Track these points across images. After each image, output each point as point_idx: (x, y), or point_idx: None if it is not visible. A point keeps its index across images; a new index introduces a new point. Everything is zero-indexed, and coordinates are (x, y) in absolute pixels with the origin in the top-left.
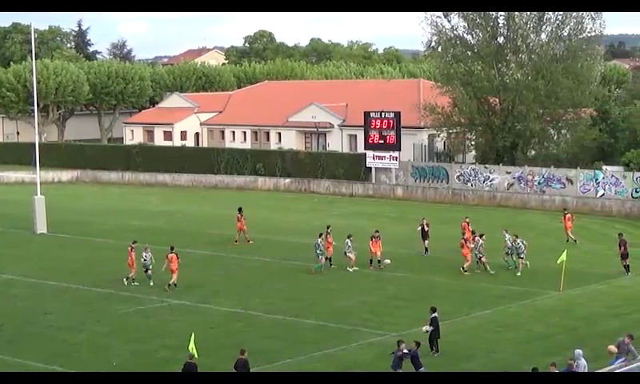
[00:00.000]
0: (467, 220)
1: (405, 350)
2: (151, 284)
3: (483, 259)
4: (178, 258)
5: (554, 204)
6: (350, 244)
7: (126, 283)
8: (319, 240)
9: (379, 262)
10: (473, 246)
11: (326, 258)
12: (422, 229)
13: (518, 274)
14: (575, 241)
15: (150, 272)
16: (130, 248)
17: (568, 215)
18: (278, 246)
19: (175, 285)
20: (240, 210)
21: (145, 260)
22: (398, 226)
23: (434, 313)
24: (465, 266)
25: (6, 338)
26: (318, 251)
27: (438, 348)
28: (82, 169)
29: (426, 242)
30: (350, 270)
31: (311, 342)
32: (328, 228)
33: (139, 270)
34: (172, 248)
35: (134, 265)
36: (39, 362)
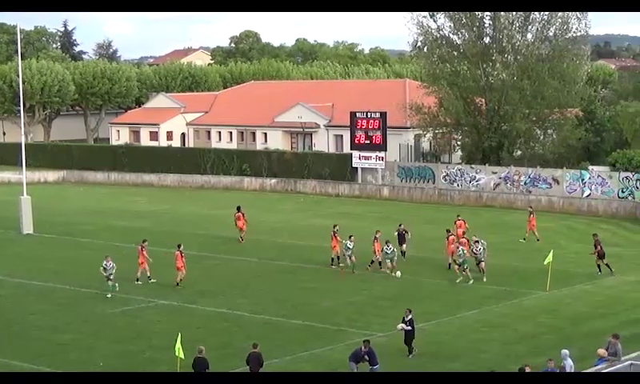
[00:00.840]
0: (461, 218)
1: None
2: (117, 287)
3: (482, 265)
4: (182, 256)
5: (540, 204)
6: (349, 245)
7: (139, 283)
8: (349, 243)
9: (380, 263)
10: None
11: (332, 258)
12: (399, 234)
13: (484, 279)
14: (538, 239)
15: (111, 279)
16: (140, 247)
17: (533, 214)
18: (264, 246)
19: (177, 283)
20: (239, 208)
21: (105, 268)
22: (384, 226)
23: (410, 314)
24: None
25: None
26: (348, 253)
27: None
28: (69, 169)
29: (403, 246)
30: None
31: (298, 343)
32: (335, 227)
33: (149, 269)
34: (179, 246)
35: (145, 264)
36: (25, 362)
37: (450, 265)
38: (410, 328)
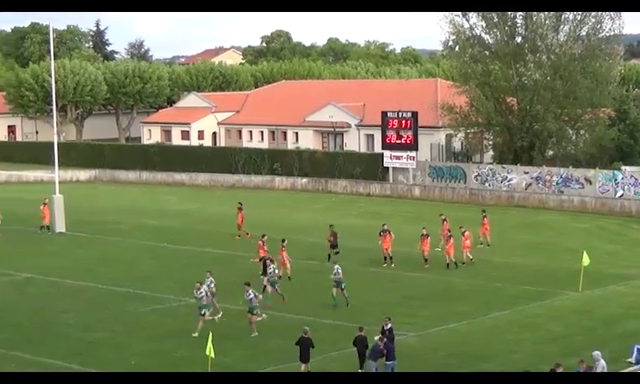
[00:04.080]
0: (443, 217)
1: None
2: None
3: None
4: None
5: (573, 204)
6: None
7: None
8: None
9: (391, 258)
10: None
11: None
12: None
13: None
14: (488, 244)
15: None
16: (261, 242)
17: (486, 218)
18: (295, 245)
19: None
20: (240, 204)
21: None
22: (414, 225)
23: (390, 322)
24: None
25: (26, 337)
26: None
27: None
28: (100, 168)
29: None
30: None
31: (329, 342)
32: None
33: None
34: (283, 240)
35: (287, 263)
36: (58, 360)
37: (458, 263)
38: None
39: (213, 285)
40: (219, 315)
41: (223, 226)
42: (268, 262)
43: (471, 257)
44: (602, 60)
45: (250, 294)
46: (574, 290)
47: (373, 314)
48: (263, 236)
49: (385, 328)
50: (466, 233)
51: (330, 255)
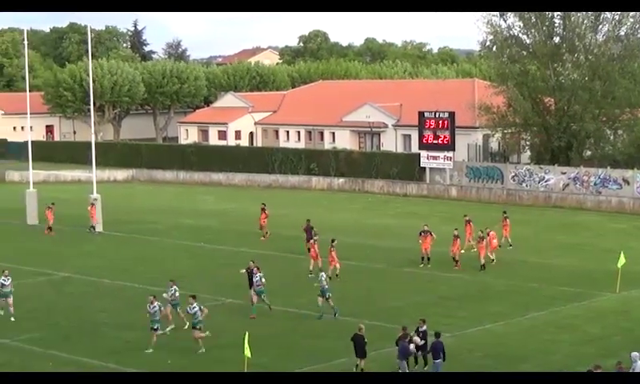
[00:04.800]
0: (467, 218)
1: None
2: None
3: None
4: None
5: (611, 205)
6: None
7: (313, 276)
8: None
9: (428, 259)
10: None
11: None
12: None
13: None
14: (510, 245)
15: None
16: (312, 241)
17: (507, 219)
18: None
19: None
20: (264, 205)
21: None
22: (451, 226)
23: (424, 325)
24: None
25: (63, 335)
26: None
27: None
28: (138, 168)
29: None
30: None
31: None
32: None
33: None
34: (332, 240)
35: (318, 257)
36: (95, 359)
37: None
38: (423, 342)
39: (177, 294)
40: (170, 327)
41: (246, 223)
42: (255, 270)
43: (493, 257)
44: None
45: (194, 308)
46: (612, 290)
47: (409, 315)
48: (315, 235)
49: (420, 330)
50: (492, 233)
51: (309, 249)
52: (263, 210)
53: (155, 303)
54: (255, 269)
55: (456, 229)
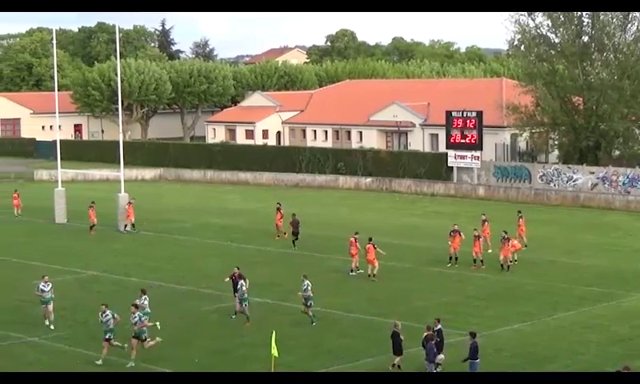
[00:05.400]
0: (484, 217)
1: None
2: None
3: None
4: (375, 248)
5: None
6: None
7: (355, 274)
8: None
9: (456, 258)
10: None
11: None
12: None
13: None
14: (526, 245)
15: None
16: (353, 239)
17: (522, 219)
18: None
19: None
20: (279, 204)
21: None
22: (478, 225)
23: (439, 324)
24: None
25: (90, 334)
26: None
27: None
28: (165, 167)
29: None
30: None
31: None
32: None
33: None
34: (370, 239)
35: (357, 254)
36: (123, 358)
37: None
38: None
39: (146, 302)
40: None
41: (287, 225)
42: (238, 278)
43: (515, 258)
44: None
45: (135, 317)
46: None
47: (436, 314)
48: (356, 233)
49: (435, 329)
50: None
51: (294, 242)
52: (278, 209)
53: (107, 311)
54: (238, 276)
55: (475, 229)
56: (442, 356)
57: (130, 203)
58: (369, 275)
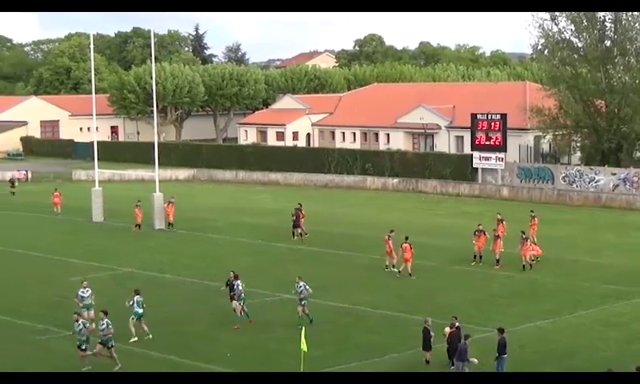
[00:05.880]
0: (500, 217)
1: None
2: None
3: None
4: (411, 248)
5: None
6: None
7: (390, 270)
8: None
9: (481, 257)
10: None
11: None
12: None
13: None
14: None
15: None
16: (387, 237)
17: (535, 218)
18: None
19: (399, 271)
20: (300, 205)
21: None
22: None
23: (457, 321)
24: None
25: (124, 329)
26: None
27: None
28: (198, 167)
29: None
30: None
31: (418, 337)
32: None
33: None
34: (406, 238)
35: (392, 253)
36: (156, 352)
37: (524, 266)
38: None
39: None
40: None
41: (316, 224)
42: (233, 279)
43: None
44: None
45: (103, 324)
46: None
47: (462, 311)
48: (391, 231)
49: (456, 326)
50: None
51: (293, 233)
52: (299, 209)
53: (80, 320)
54: (234, 277)
55: (494, 229)
56: (475, 360)
57: (170, 202)
58: (398, 271)
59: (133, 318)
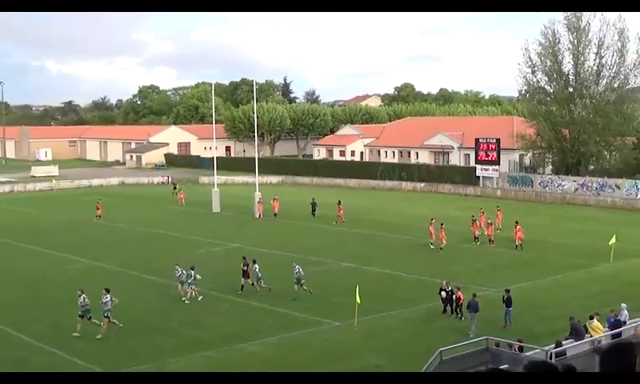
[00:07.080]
0: (499, 208)
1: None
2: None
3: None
4: (443, 232)
5: (607, 203)
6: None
7: (433, 247)
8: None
9: (477, 238)
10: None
11: (489, 240)
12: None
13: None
14: (499, 229)
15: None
16: (429, 224)
17: (500, 212)
18: (414, 228)
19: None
20: (339, 202)
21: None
22: (493, 215)
23: (449, 285)
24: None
25: (232, 288)
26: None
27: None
28: (285, 175)
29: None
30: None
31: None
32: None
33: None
34: (442, 224)
35: (432, 234)
36: (252, 301)
37: (516, 245)
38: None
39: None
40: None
41: (365, 213)
42: (250, 264)
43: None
44: (628, 104)
45: (106, 298)
46: (607, 261)
47: (467, 276)
48: (432, 219)
49: (447, 289)
50: (519, 226)
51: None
52: (339, 203)
53: (107, 295)
54: (250, 263)
55: (489, 218)
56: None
57: (275, 199)
58: (440, 249)
59: (191, 286)
